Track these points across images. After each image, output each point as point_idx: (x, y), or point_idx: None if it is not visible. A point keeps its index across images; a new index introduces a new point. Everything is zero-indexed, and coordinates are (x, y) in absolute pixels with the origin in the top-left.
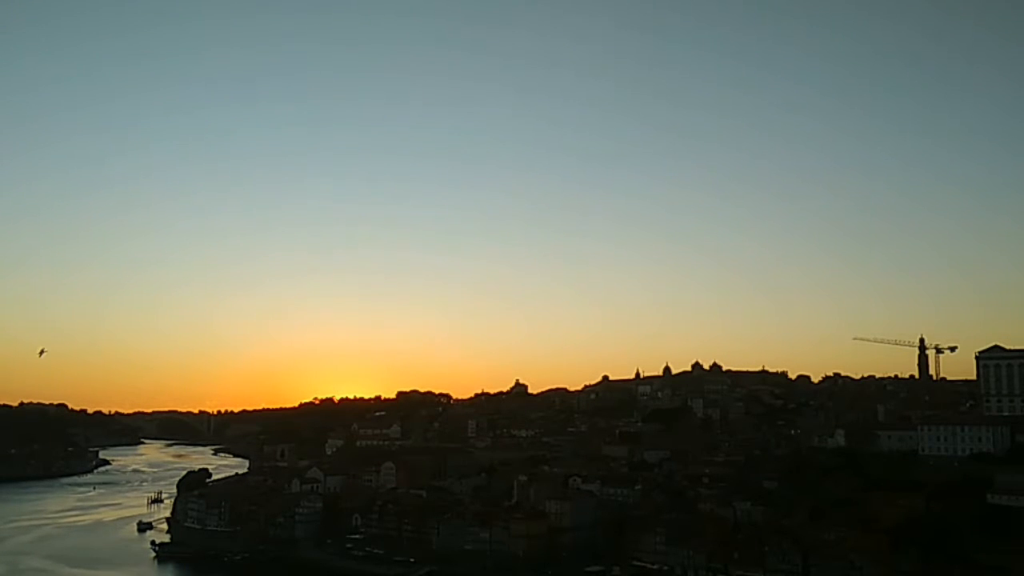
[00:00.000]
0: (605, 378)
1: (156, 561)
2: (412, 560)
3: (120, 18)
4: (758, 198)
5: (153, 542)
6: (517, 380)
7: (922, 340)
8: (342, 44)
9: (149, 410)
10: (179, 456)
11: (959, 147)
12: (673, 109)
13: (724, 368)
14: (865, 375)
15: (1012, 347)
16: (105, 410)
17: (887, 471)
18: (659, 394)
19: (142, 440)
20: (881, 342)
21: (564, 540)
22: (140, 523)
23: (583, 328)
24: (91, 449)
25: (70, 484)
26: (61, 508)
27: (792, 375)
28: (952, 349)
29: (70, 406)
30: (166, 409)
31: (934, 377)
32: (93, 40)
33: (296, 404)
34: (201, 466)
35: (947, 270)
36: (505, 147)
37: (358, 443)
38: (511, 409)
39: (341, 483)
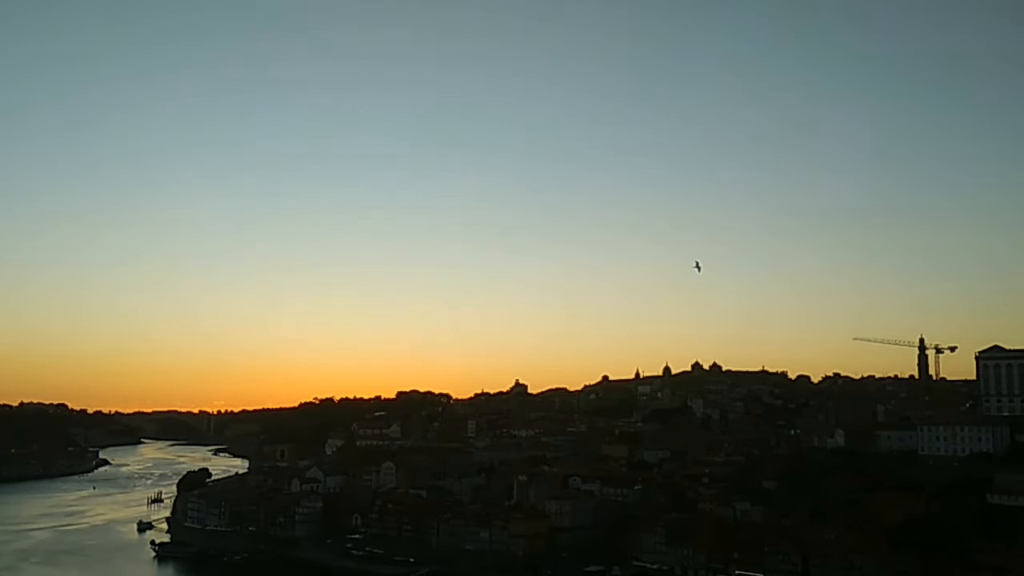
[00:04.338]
0: (605, 378)
1: (156, 561)
2: (412, 560)
3: (125, 4)
4: (758, 198)
5: (153, 542)
6: (517, 380)
7: (922, 340)
8: (346, 43)
9: (149, 410)
10: (179, 456)
11: (958, 146)
12: (671, 111)
13: (724, 368)
14: (865, 375)
15: (1012, 347)
16: (105, 410)
17: (887, 471)
18: (659, 394)
19: (142, 440)
20: (881, 342)
21: (564, 540)
22: (140, 523)
23: (583, 328)
24: (91, 449)
25: (70, 484)
26: (61, 508)
27: (792, 375)
28: (952, 349)
29: (70, 406)
30: (166, 409)
31: (934, 377)
32: (103, 32)
33: (296, 404)
34: (201, 466)
35: (947, 270)
36: (505, 147)
37: (358, 443)
38: (511, 409)
39: (341, 483)
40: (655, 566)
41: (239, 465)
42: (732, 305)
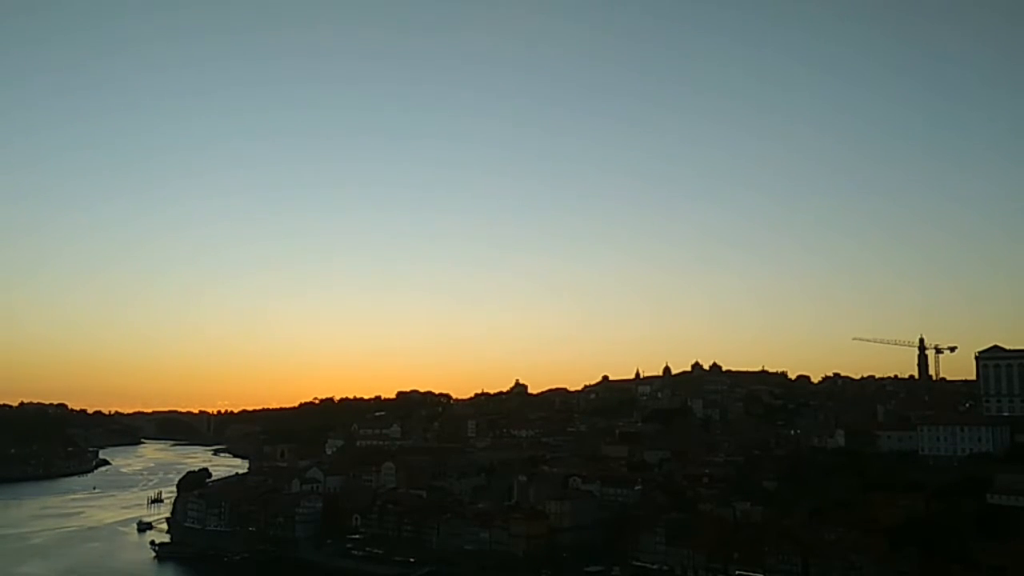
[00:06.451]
0: (605, 378)
1: (156, 561)
2: (412, 560)
3: (115, 4)
4: (756, 200)
5: (153, 542)
6: (517, 380)
7: (922, 340)
8: (347, 40)
9: (149, 410)
10: (179, 456)
11: (957, 148)
12: (670, 110)
13: (724, 368)
14: (865, 375)
15: (1012, 347)
16: (105, 410)
17: (887, 471)
18: (659, 394)
19: (142, 440)
20: (881, 342)
21: (564, 540)
22: (140, 523)
23: (583, 328)
24: (91, 449)
25: (70, 484)
26: (61, 509)
27: (792, 375)
28: (952, 349)
29: (70, 406)
30: (166, 409)
31: (934, 377)
32: (97, 31)
33: (296, 404)
34: (201, 466)
35: (947, 270)
36: (505, 146)
37: (358, 443)
38: (511, 409)
39: (341, 483)
40: (655, 566)
41: (239, 465)
42: (732, 305)
